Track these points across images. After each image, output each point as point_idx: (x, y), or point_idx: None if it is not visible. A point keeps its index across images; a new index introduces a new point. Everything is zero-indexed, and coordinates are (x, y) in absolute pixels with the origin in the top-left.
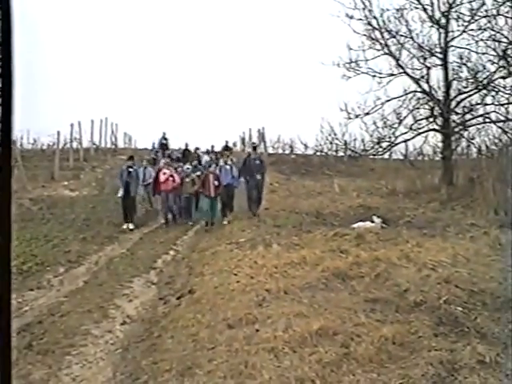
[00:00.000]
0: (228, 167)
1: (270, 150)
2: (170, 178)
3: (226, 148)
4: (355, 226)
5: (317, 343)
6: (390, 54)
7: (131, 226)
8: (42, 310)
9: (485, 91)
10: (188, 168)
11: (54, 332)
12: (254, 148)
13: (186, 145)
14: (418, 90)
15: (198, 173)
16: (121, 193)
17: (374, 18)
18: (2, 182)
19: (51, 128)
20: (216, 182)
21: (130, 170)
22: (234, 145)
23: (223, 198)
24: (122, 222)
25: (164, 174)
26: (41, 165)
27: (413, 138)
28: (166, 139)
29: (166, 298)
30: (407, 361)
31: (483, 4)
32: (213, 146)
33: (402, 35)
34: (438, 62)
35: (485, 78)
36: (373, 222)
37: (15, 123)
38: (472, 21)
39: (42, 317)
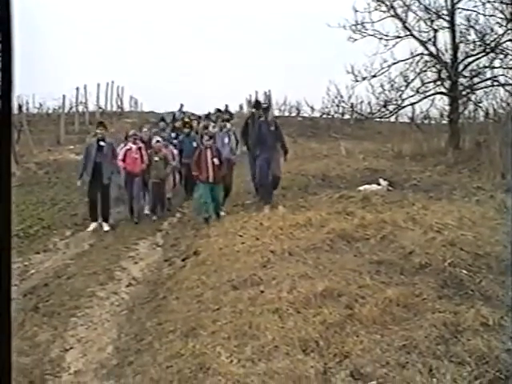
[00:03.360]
0: (224, 136)
1: (277, 113)
2: (136, 155)
3: (221, 111)
4: (361, 188)
5: (321, 304)
6: (397, 15)
7: (106, 227)
8: (48, 273)
9: (493, 54)
10: (159, 140)
11: (60, 294)
12: (266, 109)
13: (181, 106)
14: (425, 52)
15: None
16: (85, 178)
17: None
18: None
19: (57, 92)
20: (216, 160)
21: (102, 144)
22: (241, 107)
23: None
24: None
25: (129, 149)
26: (46, 129)
27: (420, 101)
28: (183, 112)
29: (171, 260)
30: (411, 322)
31: None
32: (209, 113)
33: None
34: (445, 24)
35: (492, 41)
36: (379, 184)
37: (21, 88)
38: None
39: (48, 279)
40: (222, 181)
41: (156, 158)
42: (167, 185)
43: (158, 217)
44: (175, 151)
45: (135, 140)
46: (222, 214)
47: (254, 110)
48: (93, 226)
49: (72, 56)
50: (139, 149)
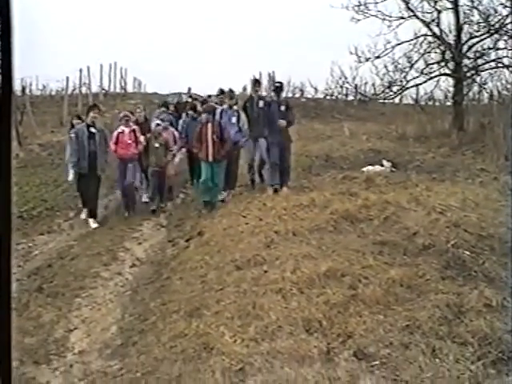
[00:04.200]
0: (233, 115)
1: (261, 104)
2: (129, 139)
3: (224, 92)
4: (365, 169)
5: (324, 285)
6: None
7: (93, 225)
8: (51, 254)
9: (497, 35)
10: (161, 122)
11: (64, 275)
12: (278, 88)
13: (189, 89)
14: (429, 33)
15: (163, 125)
16: (71, 173)
17: None
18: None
19: (60, 74)
20: (217, 137)
21: (93, 130)
22: (244, 89)
23: None
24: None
25: (121, 132)
26: (50, 110)
27: (424, 82)
28: (190, 96)
29: (174, 241)
30: (414, 303)
31: None
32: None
33: None
34: (449, 5)
35: (497, 22)
36: (382, 165)
37: (24, 70)
38: None
39: (52, 260)
40: (224, 161)
41: (156, 144)
42: (169, 172)
43: (157, 207)
44: (177, 133)
45: (127, 122)
46: (221, 198)
47: (251, 92)
48: (85, 212)
49: (75, 38)
50: (133, 132)
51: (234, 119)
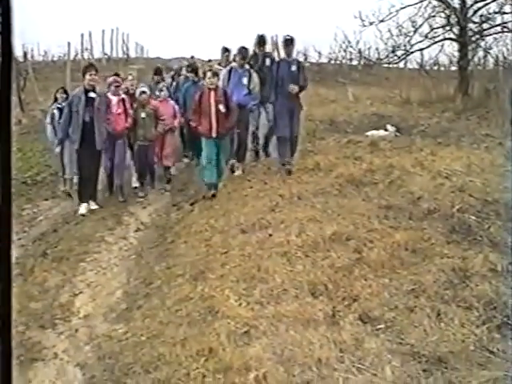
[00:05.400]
0: (244, 75)
1: (268, 62)
2: (119, 110)
3: (228, 50)
4: (369, 133)
5: (329, 248)
6: None
7: (93, 206)
8: (56, 219)
9: (502, 0)
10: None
11: (69, 240)
12: (288, 43)
13: (192, 57)
14: None
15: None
16: (67, 145)
17: None
18: None
19: (61, 39)
20: (222, 107)
21: (92, 95)
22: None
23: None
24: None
25: (109, 101)
26: (52, 76)
27: (428, 46)
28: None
29: (179, 205)
30: (419, 267)
31: None
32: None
33: None
34: None
35: None
36: (386, 130)
37: (25, 36)
38: None
39: (56, 225)
40: (231, 134)
41: (143, 115)
42: (166, 151)
43: (146, 194)
44: (177, 107)
45: (117, 88)
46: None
47: (255, 49)
48: (84, 206)
49: (76, 2)
50: (122, 101)
51: (244, 80)
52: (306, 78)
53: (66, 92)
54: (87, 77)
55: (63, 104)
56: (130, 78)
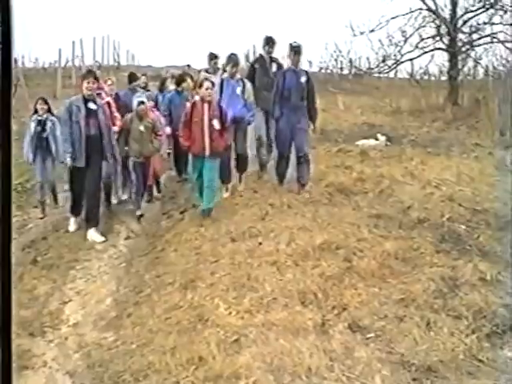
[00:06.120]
0: (237, 85)
1: (274, 68)
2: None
3: (216, 56)
4: (359, 143)
5: (319, 257)
6: None
7: (98, 238)
8: (46, 227)
9: (492, 10)
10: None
11: (59, 247)
12: (296, 49)
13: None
14: (424, 7)
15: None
16: (68, 161)
17: None
18: None
19: (52, 47)
20: (217, 123)
21: (93, 107)
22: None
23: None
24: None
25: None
26: (43, 83)
27: (419, 56)
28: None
29: (169, 213)
30: (409, 276)
31: None
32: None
33: None
34: None
35: None
36: (377, 139)
37: (16, 43)
38: None
39: (46, 233)
40: (225, 152)
41: (141, 128)
42: (156, 166)
43: (139, 209)
44: (163, 119)
45: (99, 95)
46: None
47: (263, 52)
48: (74, 222)
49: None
50: (107, 105)
51: (238, 90)
52: (314, 90)
53: (46, 102)
54: (84, 84)
55: (44, 116)
56: (109, 82)
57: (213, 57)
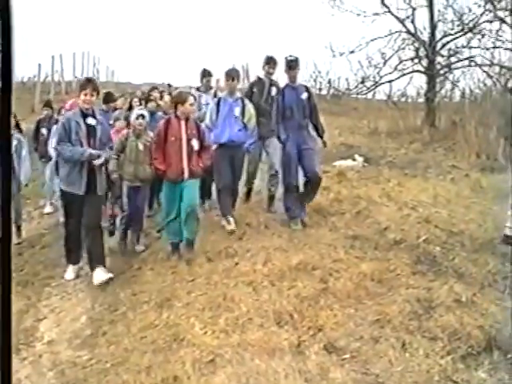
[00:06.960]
0: (236, 104)
1: (274, 92)
2: None
3: (210, 74)
4: (337, 163)
5: (295, 277)
6: None
7: (104, 275)
8: (22, 243)
9: (470, 34)
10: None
11: (34, 264)
12: (293, 63)
13: (169, 85)
14: (403, 30)
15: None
16: (58, 191)
17: None
18: None
19: (32, 61)
20: (196, 143)
21: (92, 122)
22: (217, 81)
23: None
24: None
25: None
26: (22, 97)
27: (397, 78)
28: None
29: (146, 231)
30: (385, 297)
31: None
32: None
33: None
34: (424, 2)
35: (470, 21)
36: (354, 160)
37: None
38: None
39: (22, 249)
40: (206, 176)
41: (140, 147)
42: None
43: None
44: None
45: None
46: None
47: (262, 74)
48: (72, 270)
49: (47, 25)
50: None
51: (237, 111)
52: (316, 106)
53: (14, 117)
54: (81, 97)
55: (15, 134)
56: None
57: (206, 74)
